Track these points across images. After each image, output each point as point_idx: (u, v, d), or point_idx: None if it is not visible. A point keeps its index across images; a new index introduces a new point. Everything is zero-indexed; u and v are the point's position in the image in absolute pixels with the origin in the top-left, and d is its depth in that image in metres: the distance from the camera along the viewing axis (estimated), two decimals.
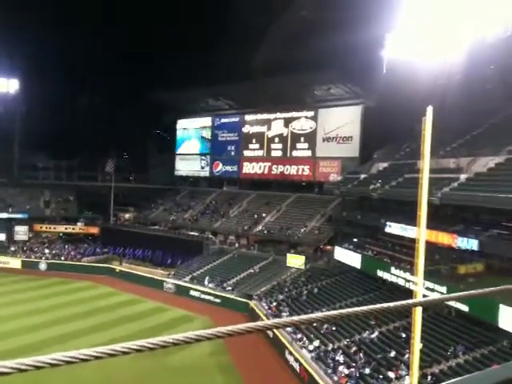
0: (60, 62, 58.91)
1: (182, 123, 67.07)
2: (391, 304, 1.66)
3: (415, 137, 31.48)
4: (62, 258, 52.60)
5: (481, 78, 34.39)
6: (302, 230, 45.37)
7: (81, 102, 65.70)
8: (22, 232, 56.49)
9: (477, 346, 21.82)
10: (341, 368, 23.62)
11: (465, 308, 21.93)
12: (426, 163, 13.30)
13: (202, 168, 64.21)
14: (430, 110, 13.03)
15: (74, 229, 58.24)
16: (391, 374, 21.80)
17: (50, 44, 55.97)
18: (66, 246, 55.40)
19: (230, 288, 40.50)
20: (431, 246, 23.02)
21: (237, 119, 60.28)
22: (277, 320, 1.43)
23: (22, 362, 1.18)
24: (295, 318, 1.49)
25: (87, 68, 60.83)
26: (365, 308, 1.63)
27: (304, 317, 1.50)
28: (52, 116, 56.86)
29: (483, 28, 31.05)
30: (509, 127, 30.01)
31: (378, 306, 1.63)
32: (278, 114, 55.57)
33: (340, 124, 49.92)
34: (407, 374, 20.39)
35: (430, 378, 20.28)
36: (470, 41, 31.71)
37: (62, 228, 58.51)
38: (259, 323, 1.38)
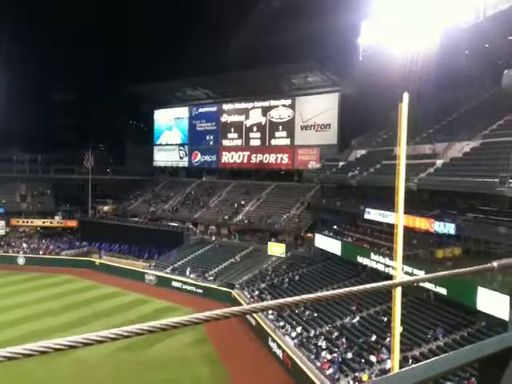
0: (34, 54, 57.57)
1: (159, 113, 66.44)
2: (369, 285, 1.68)
3: (392, 124, 31.80)
4: (41, 252, 51.85)
5: (455, 64, 34.78)
6: (282, 219, 45.57)
7: (56, 95, 64.50)
8: None
9: (456, 328, 22.34)
10: (323, 353, 23.94)
11: (443, 291, 22.38)
12: (402, 150, 13.46)
13: (181, 158, 63.81)
14: (405, 96, 13.15)
15: (51, 222, 57.38)
16: (373, 358, 22.20)
17: (24, 36, 54.69)
18: (44, 240, 54.63)
19: (211, 278, 40.56)
20: (409, 231, 23.41)
21: (214, 109, 59.95)
22: (254, 305, 1.44)
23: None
24: (272, 302, 1.50)
25: (62, 60, 59.65)
26: (346, 290, 1.64)
27: (281, 300, 1.50)
28: (27, 109, 55.72)
29: (456, 15, 31.33)
30: (483, 112, 30.54)
31: (359, 287, 1.65)
32: (256, 103, 55.45)
33: (318, 112, 50.08)
34: (388, 358, 20.79)
35: (411, 361, 20.70)
36: (444, 28, 31.98)
37: (39, 222, 57.57)
38: (236, 308, 1.39)
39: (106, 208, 62.36)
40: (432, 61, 34.28)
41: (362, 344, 24.00)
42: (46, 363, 25.05)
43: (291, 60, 46.31)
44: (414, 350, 21.82)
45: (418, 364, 1.56)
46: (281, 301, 1.51)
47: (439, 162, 28.55)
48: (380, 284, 1.86)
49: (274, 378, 23.98)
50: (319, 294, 1.57)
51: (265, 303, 1.50)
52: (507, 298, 17.62)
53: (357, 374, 21.55)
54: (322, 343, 25.08)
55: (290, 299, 1.51)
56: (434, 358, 1.64)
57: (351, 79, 44.24)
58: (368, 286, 1.73)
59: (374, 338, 24.14)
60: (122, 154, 72.23)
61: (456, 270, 2.15)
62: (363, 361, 22.41)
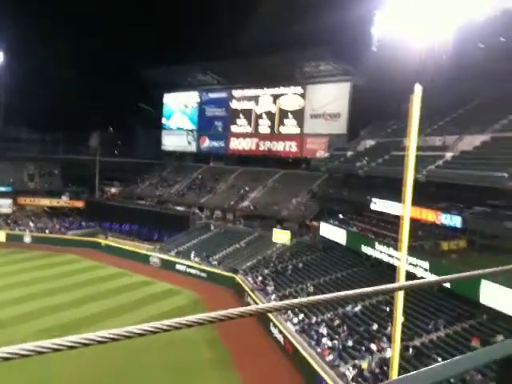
0: (46, 34, 57.48)
1: (169, 97, 66.33)
2: (380, 287, 1.73)
3: (402, 115, 31.60)
4: (47, 232, 52.29)
5: (469, 56, 34.42)
6: (289, 206, 45.63)
7: (67, 75, 64.40)
8: (5, 205, 55.86)
9: (457, 320, 22.40)
10: (324, 340, 24.11)
11: (446, 284, 22.40)
12: (412, 141, 13.41)
13: (189, 143, 63.82)
14: (418, 87, 13.06)
15: (58, 202, 57.81)
16: (373, 347, 22.33)
17: (36, 16, 54.57)
18: (51, 220, 55.07)
19: (215, 262, 40.79)
20: (415, 223, 23.37)
21: (224, 94, 59.76)
22: (270, 304, 1.49)
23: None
24: (287, 301, 1.54)
25: (74, 41, 59.51)
26: (357, 291, 1.69)
27: (295, 301, 1.54)
28: (37, 89, 55.69)
29: (472, 7, 30.95)
30: (495, 106, 30.29)
31: (370, 289, 1.70)
32: (266, 90, 55.21)
33: (328, 101, 49.81)
34: (389, 347, 20.90)
35: (411, 350, 20.82)
36: (459, 20, 31.64)
37: (46, 201, 58.01)
38: (253, 307, 1.42)
39: (113, 190, 62.68)
40: (446, 53, 34.01)
41: (363, 332, 24.13)
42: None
43: (304, 47, 45.96)
44: (414, 339, 21.92)
45: (436, 365, 1.58)
46: (295, 301, 1.53)
47: (449, 155, 28.41)
48: (390, 286, 1.88)
49: (274, 362, 24.19)
50: (327, 295, 1.65)
51: (276, 303, 1.56)
52: (510, 291, 17.67)
53: (357, 362, 21.71)
54: (324, 330, 25.24)
55: (303, 300, 1.53)
56: (456, 357, 1.66)
57: (363, 69, 43.90)
58: (379, 287, 1.77)
59: (375, 326, 24.26)
60: (131, 136, 72.31)
61: (482, 270, 2.16)
62: (363, 349, 22.55)
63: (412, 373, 1.69)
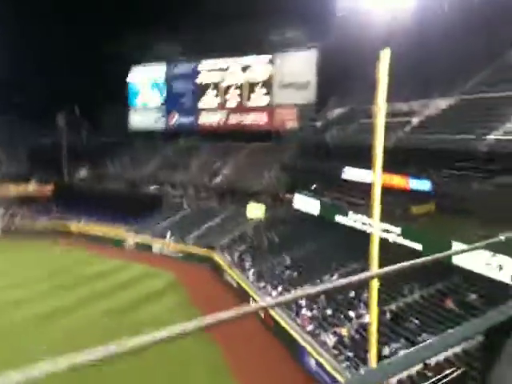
0: (5, 10, 54.86)
1: (134, 73, 64.52)
2: (354, 277, 1.81)
3: (370, 81, 31.50)
4: (17, 219, 51.07)
5: (433, 18, 34.33)
6: (261, 181, 45.52)
7: (26, 54, 61.90)
8: None
9: (432, 282, 22.88)
10: (303, 311, 24.42)
11: (419, 247, 22.81)
12: (380, 108, 13.31)
13: (158, 120, 62.61)
14: (385, 52, 12.88)
15: (26, 188, 56.31)
16: (352, 313, 22.73)
17: None
18: (20, 207, 53.67)
19: (191, 242, 40.62)
20: (386, 190, 23.53)
21: (191, 67, 58.48)
22: (268, 301, 1.58)
23: None
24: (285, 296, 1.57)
25: (30, 16, 56.98)
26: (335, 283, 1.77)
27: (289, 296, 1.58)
28: None
29: None
30: (461, 69, 30.41)
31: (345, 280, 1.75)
32: (234, 60, 54.20)
33: (296, 70, 49.36)
34: (366, 313, 21.29)
35: (388, 314, 21.25)
36: None
37: (14, 188, 56.42)
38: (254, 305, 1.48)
39: (82, 173, 61.32)
40: (411, 15, 33.85)
41: (341, 300, 24.51)
42: (34, 330, 25.09)
43: (269, 13, 45.02)
44: (390, 303, 22.37)
45: (427, 342, 1.62)
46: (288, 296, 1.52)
47: (415, 120, 28.56)
48: (363, 275, 2.01)
49: (256, 337, 24.44)
50: (312, 289, 1.88)
51: (270, 300, 1.63)
52: (483, 252, 18.06)
53: (336, 330, 22.09)
54: (302, 301, 25.52)
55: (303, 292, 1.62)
56: (443, 334, 1.67)
57: (329, 34, 43.45)
58: (353, 278, 1.96)
59: (352, 294, 24.65)
60: (97, 116, 70.40)
61: (466, 246, 2.25)
62: (342, 316, 22.95)
63: (405, 353, 1.76)
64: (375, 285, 14.31)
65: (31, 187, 56.37)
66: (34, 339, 24.07)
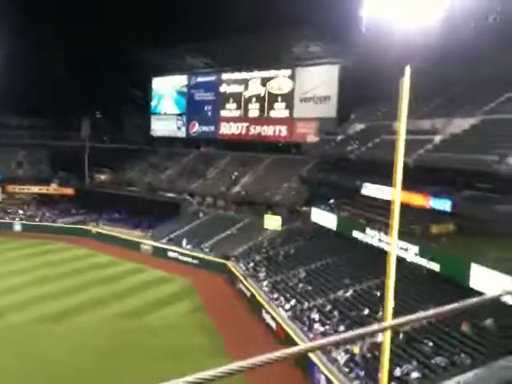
0: (28, 16, 56.30)
1: (157, 82, 65.55)
2: (363, 330, 1.95)
3: (392, 97, 31.39)
4: (37, 220, 51.96)
5: (460, 37, 34.13)
6: (279, 192, 45.53)
7: (52, 59, 63.29)
8: None
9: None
10: (316, 326, 24.24)
11: (436, 267, 22.51)
12: (402, 124, 13.26)
13: (179, 128, 63.27)
14: (408, 70, 12.87)
15: (48, 190, 57.31)
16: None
17: (19, 2, 53.37)
18: (41, 208, 54.64)
19: (207, 249, 40.75)
20: (405, 207, 23.34)
21: (213, 78, 59.11)
22: (310, 344, 1.84)
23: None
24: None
25: (58, 24, 58.36)
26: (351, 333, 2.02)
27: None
28: (24, 74, 54.75)
29: None
30: (484, 89, 30.14)
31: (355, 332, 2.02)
32: (256, 73, 54.66)
33: (317, 84, 49.44)
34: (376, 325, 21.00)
35: (401, 335, 20.95)
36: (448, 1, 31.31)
37: (35, 189, 57.47)
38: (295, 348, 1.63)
39: (102, 177, 62.17)
40: (436, 33, 33.69)
41: (355, 317, 24.26)
42: (45, 329, 25.44)
43: (292, 27, 45.30)
44: (405, 324, 22.02)
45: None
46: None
47: (438, 138, 28.33)
48: (375, 327, 2.11)
49: (267, 348, 24.21)
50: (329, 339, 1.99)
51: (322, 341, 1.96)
52: (500, 275, 17.77)
53: (348, 347, 21.83)
54: (315, 316, 25.36)
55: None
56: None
57: (353, 51, 43.49)
58: (362, 330, 2.10)
59: (366, 311, 24.39)
60: (119, 122, 71.55)
61: (462, 303, 2.27)
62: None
63: None
64: (390, 305, 14.16)
65: (52, 189, 57.30)
66: (46, 337, 24.44)
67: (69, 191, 57.19)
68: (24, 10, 54.25)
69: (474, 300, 2.62)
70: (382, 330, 2.05)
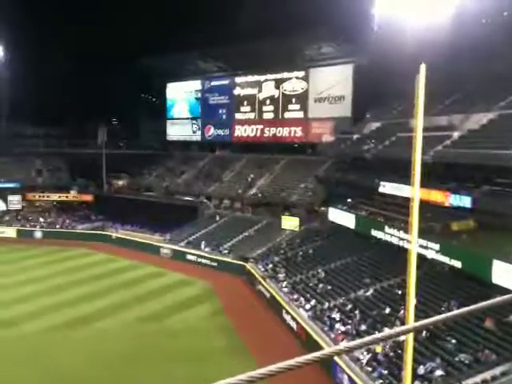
0: (46, 26, 57.26)
1: (171, 87, 66.07)
2: (387, 332, 1.99)
3: (407, 95, 31.21)
4: (57, 226, 52.73)
5: (472, 33, 33.84)
6: (296, 193, 45.55)
7: (68, 68, 64.27)
8: (15, 201, 56.32)
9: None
10: (337, 325, 24.21)
11: (458, 264, 22.34)
12: (419, 122, 13.24)
13: (194, 132, 63.70)
14: (423, 67, 12.86)
15: (67, 197, 58.10)
16: (387, 330, 22.37)
17: (35, 8, 54.31)
18: (61, 215, 55.44)
19: (226, 251, 40.93)
20: (424, 204, 23.20)
21: (227, 82, 59.42)
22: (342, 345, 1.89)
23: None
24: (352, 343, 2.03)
25: (74, 32, 59.27)
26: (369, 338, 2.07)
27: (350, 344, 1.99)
28: (39, 83, 55.66)
29: None
30: (501, 83, 29.84)
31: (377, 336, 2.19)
32: (269, 76, 54.80)
33: (332, 84, 49.38)
34: (401, 327, 20.91)
35: (424, 333, 20.83)
36: None
37: (55, 196, 58.32)
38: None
39: (120, 182, 62.83)
40: (449, 30, 33.45)
41: (376, 316, 24.19)
42: (66, 334, 25.80)
43: (304, 29, 45.37)
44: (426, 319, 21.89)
45: None
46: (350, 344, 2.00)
47: (456, 135, 28.12)
48: (398, 329, 2.18)
49: (288, 349, 24.27)
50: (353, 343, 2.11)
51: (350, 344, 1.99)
52: None
53: (371, 346, 21.77)
54: (336, 315, 25.33)
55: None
56: None
57: (366, 50, 43.37)
58: (386, 333, 2.13)
59: (387, 310, 24.31)
60: (135, 128, 72.31)
61: (489, 301, 2.30)
62: (377, 333, 22.60)
63: None
64: (411, 302, 14.13)
65: (72, 196, 58.11)
66: (67, 342, 24.79)
67: (88, 198, 57.92)
68: (39, 20, 55.15)
69: (503, 298, 2.63)
70: (407, 333, 2.13)
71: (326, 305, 26.94)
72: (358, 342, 1.99)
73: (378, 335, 2.12)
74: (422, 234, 22.40)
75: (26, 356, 23.13)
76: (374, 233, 30.08)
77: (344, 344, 2.17)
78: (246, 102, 57.45)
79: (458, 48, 32.64)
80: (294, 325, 26.49)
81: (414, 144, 13.38)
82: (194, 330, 27.09)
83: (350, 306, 26.06)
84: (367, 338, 2.14)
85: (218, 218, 47.51)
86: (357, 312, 25.09)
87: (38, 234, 51.32)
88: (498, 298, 2.70)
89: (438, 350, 19.64)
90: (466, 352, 18.84)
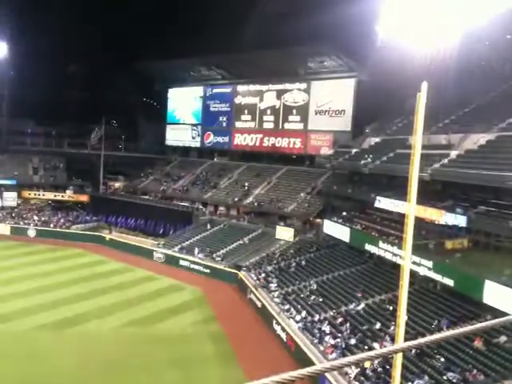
0: (49, 26, 57.38)
1: (173, 92, 66.27)
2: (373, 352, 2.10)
3: (407, 112, 31.44)
4: (51, 226, 52.45)
5: (475, 54, 34.19)
6: (292, 203, 45.58)
7: (70, 69, 64.50)
8: (10, 198, 56.12)
9: (460, 320, 22.34)
10: (327, 338, 24.12)
11: (450, 283, 22.37)
12: (418, 139, 13.35)
13: (193, 138, 63.79)
14: (424, 85, 13.00)
15: (63, 196, 57.96)
16: (376, 345, 22.32)
17: (39, 8, 54.49)
18: (55, 214, 55.25)
19: (219, 258, 40.82)
20: (419, 221, 23.31)
21: (229, 90, 59.66)
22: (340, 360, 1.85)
23: None
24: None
25: (76, 34, 59.42)
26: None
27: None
28: (41, 82, 55.74)
29: (478, 5, 30.60)
30: (500, 105, 30.09)
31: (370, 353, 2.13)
32: (271, 86, 55.10)
33: (333, 97, 49.67)
34: (392, 346, 20.88)
35: (413, 350, 20.77)
36: (466, 19, 31.36)
37: (50, 195, 58.18)
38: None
39: (117, 184, 62.79)
40: (451, 51, 33.78)
41: (366, 331, 24.13)
42: (54, 335, 25.60)
43: (308, 42, 45.72)
44: (417, 339, 21.86)
45: None
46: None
47: (454, 153, 28.27)
48: (389, 348, 2.30)
49: (277, 359, 24.20)
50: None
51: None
52: None
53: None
54: (326, 328, 25.25)
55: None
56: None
57: (368, 66, 43.73)
58: (378, 351, 2.15)
59: (378, 325, 24.25)
60: (135, 131, 72.40)
61: (480, 324, 2.38)
62: (366, 347, 22.55)
63: None
64: (403, 318, 14.16)
65: (67, 196, 57.96)
66: (54, 342, 24.60)
67: (83, 198, 57.79)
68: (41, 20, 55.28)
69: (495, 321, 2.68)
70: (396, 352, 2.18)
71: (317, 317, 26.85)
72: (350, 358, 2.02)
73: (370, 353, 2.12)
74: (416, 250, 22.48)
75: (9, 353, 22.96)
76: (368, 247, 30.12)
77: (339, 361, 2.18)
78: (246, 111, 57.65)
79: (461, 68, 32.95)
80: (283, 335, 26.38)
81: (411, 161, 13.49)
82: (183, 336, 26.93)
83: (340, 320, 25.99)
84: (360, 355, 2.19)
85: (208, 227, 47.21)
86: (347, 326, 25.03)
87: (32, 233, 51.04)
88: (488, 322, 2.72)
89: (426, 367, 19.58)
90: (454, 371, 18.80)
